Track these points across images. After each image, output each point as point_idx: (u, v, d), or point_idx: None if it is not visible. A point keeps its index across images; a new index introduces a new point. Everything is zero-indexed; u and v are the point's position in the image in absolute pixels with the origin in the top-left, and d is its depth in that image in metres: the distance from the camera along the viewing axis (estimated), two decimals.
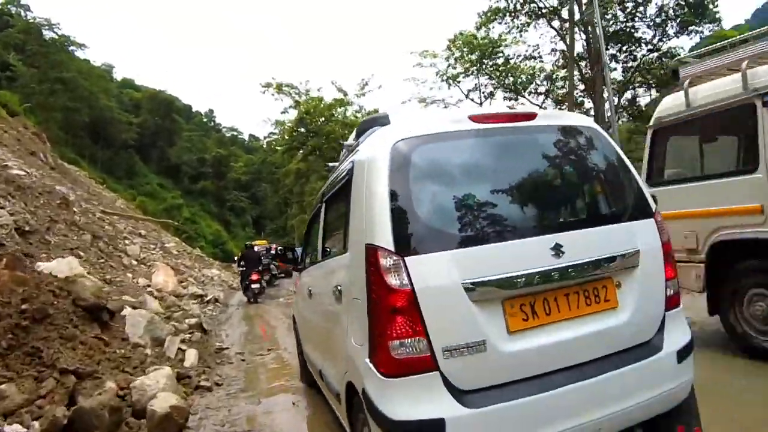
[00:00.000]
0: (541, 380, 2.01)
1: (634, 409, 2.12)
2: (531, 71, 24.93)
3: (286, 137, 29.99)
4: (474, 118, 2.34)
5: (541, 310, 2.08)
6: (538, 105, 24.86)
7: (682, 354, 2.29)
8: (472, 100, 28.95)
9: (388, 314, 1.94)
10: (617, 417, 2.08)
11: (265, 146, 59.33)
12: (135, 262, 11.08)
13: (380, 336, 1.97)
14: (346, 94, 27.30)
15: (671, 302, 2.36)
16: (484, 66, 24.46)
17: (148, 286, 9.31)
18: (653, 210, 2.46)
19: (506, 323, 2.02)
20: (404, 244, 2.00)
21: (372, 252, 2.02)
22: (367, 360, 2.05)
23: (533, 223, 2.22)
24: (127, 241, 12.15)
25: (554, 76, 24.28)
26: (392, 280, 1.95)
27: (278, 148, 31.83)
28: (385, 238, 2.01)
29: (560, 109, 26.17)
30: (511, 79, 24.59)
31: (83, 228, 9.96)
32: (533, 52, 24.10)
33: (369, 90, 27.60)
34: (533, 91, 25.12)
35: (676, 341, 2.31)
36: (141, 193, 52.97)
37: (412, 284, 1.94)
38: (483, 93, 26.55)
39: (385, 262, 1.97)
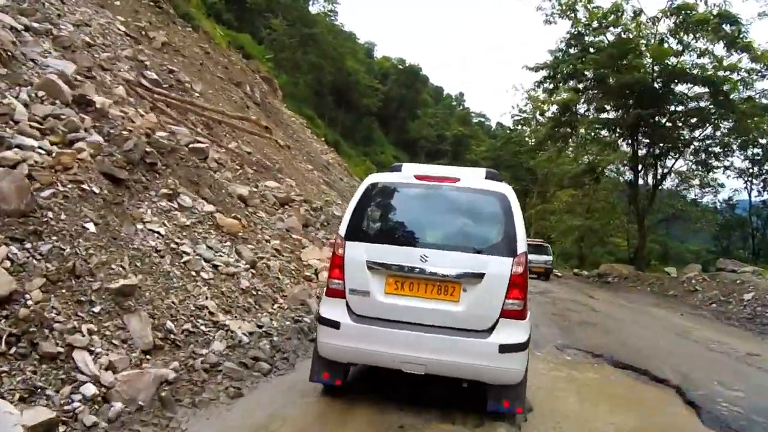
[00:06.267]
0: (396, 323, 3.91)
1: (452, 365, 3.83)
2: None
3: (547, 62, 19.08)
4: (417, 177, 4.26)
5: (407, 287, 3.95)
6: None
7: (505, 348, 3.76)
8: None
9: (333, 266, 4.13)
10: (438, 363, 3.83)
11: (511, 124, 49.04)
12: None
13: (328, 275, 4.20)
14: None
15: (508, 313, 3.84)
16: None
17: None
18: (518, 253, 3.90)
19: (384, 287, 3.98)
20: (349, 234, 4.10)
21: (337, 235, 4.22)
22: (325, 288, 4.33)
23: (418, 240, 4.12)
24: None
25: None
26: (338, 251, 4.09)
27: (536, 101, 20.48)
28: (343, 229, 4.14)
29: None
30: None
31: None
32: None
33: None
34: None
35: (503, 339, 3.79)
36: (374, 161, 49.82)
37: (344, 255, 4.05)
38: None
39: (338, 241, 4.12)
